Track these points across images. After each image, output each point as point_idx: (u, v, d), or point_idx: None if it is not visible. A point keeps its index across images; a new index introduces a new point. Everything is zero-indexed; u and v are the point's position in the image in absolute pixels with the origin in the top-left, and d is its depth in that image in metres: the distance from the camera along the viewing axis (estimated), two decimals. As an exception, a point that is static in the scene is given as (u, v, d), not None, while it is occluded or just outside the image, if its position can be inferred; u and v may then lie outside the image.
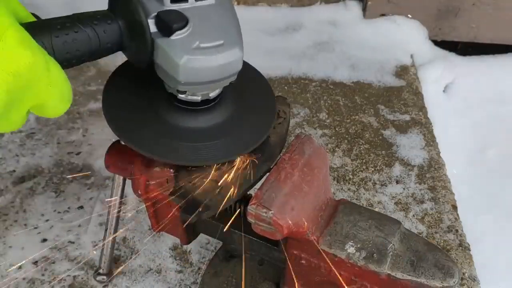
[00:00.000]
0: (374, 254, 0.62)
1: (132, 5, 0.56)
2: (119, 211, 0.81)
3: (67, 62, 0.54)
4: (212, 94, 0.65)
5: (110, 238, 0.82)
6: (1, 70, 0.44)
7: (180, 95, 0.63)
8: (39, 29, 0.51)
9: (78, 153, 1.15)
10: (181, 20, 0.57)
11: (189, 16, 0.57)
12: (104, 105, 0.65)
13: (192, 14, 0.58)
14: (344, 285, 0.66)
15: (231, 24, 0.62)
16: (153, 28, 0.56)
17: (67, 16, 0.55)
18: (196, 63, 0.57)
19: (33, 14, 0.58)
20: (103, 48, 0.57)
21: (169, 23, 0.56)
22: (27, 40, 0.46)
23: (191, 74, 0.58)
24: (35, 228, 0.98)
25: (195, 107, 0.65)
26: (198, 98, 0.64)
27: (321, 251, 0.64)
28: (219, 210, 0.67)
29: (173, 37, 0.56)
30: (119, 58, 0.64)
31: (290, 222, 0.62)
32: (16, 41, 0.45)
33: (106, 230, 0.81)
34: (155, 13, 0.56)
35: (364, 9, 1.68)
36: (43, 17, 0.57)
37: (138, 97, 0.67)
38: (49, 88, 0.49)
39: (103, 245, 0.83)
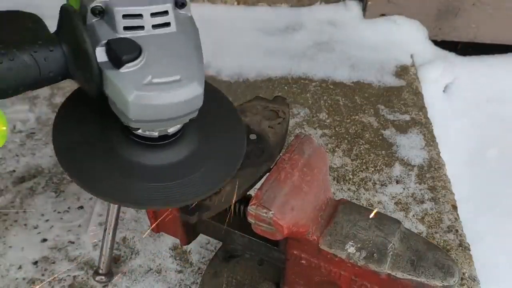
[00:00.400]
0: (374, 254, 0.62)
1: (78, 31, 0.50)
2: (118, 212, 0.81)
3: (1, 92, 0.49)
4: (171, 130, 0.59)
5: (110, 238, 0.82)
6: None
7: (135, 131, 0.58)
8: None
9: (78, 153, 1.15)
10: (133, 51, 0.51)
11: (144, 45, 0.51)
12: (54, 136, 0.59)
13: (147, 43, 0.52)
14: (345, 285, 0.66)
15: (192, 56, 0.55)
16: (102, 57, 0.51)
17: (3, 41, 0.49)
18: (147, 100, 0.51)
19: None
20: (45, 77, 0.51)
21: (119, 54, 0.50)
22: None
23: (141, 111, 0.52)
24: (35, 228, 0.98)
25: (152, 142, 0.59)
26: (155, 133, 0.58)
27: (321, 251, 0.64)
28: (219, 210, 0.67)
29: (123, 69, 0.50)
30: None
31: (290, 222, 0.62)
32: None
33: (105, 230, 0.81)
34: (105, 41, 0.51)
35: (364, 9, 1.68)
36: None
37: (93, 128, 0.61)
38: None
39: (102, 245, 0.83)
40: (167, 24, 0.54)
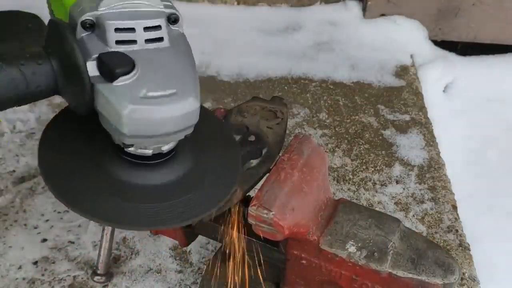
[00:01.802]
0: (375, 253, 0.63)
1: (68, 44, 0.48)
2: None
3: None
4: (165, 148, 0.57)
5: (108, 238, 0.82)
6: None
7: (127, 148, 0.55)
8: None
9: (78, 153, 1.15)
10: (127, 64, 0.49)
11: (137, 59, 0.50)
12: (40, 158, 0.57)
13: (140, 57, 0.50)
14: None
15: (187, 71, 0.53)
16: (93, 71, 0.49)
17: None
18: (142, 114, 0.49)
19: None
20: (32, 92, 0.49)
21: (112, 67, 0.48)
22: None
23: (136, 126, 0.50)
24: (35, 228, 0.98)
25: (145, 161, 0.57)
26: (148, 152, 0.56)
27: (322, 251, 0.64)
28: (220, 212, 0.66)
29: (117, 83, 0.48)
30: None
31: (291, 222, 0.62)
32: None
33: (103, 230, 0.81)
34: (97, 55, 0.49)
35: (364, 9, 1.68)
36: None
37: (81, 147, 0.59)
38: None
39: (100, 246, 0.83)
40: (160, 39, 0.53)
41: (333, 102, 1.34)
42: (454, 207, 1.06)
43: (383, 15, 1.65)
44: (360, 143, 1.21)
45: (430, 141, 1.23)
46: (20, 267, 0.90)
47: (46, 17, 0.58)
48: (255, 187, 0.69)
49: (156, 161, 0.57)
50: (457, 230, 1.01)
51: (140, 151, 0.56)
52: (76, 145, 0.59)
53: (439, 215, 1.04)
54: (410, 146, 1.21)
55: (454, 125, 1.38)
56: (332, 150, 1.19)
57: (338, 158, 1.16)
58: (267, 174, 0.67)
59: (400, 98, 1.37)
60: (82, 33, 0.50)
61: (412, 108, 1.33)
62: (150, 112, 0.49)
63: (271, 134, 0.74)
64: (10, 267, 0.90)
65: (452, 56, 1.60)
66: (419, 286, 0.62)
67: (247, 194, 0.70)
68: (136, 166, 0.57)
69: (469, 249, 0.97)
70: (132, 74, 0.49)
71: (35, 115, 1.25)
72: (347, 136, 1.23)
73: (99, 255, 0.84)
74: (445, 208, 1.05)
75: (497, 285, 1.00)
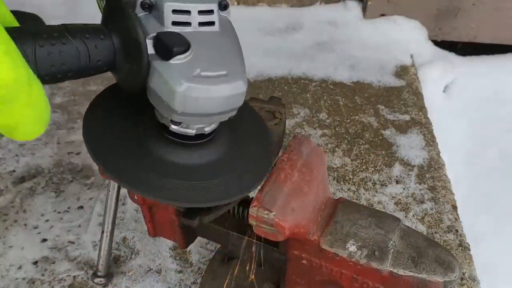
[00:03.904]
0: (376, 252, 0.63)
1: (130, 21, 0.51)
2: (115, 213, 0.81)
3: (50, 76, 0.48)
4: (208, 129, 0.59)
5: (107, 240, 0.82)
6: None
7: (173, 126, 0.57)
8: (22, 36, 0.46)
9: (78, 153, 1.15)
10: (183, 44, 0.51)
11: (191, 41, 0.52)
12: (85, 135, 0.58)
13: (194, 39, 0.52)
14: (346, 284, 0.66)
15: (236, 55, 0.56)
16: (150, 49, 0.51)
17: (55, 25, 0.50)
18: (195, 92, 0.51)
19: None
20: (93, 65, 0.51)
21: (170, 45, 0.50)
22: (12, 51, 0.41)
23: (188, 103, 0.52)
24: (35, 228, 0.98)
25: (187, 141, 0.59)
26: (192, 131, 0.58)
27: (322, 250, 0.64)
28: (220, 214, 0.66)
29: (172, 61, 0.51)
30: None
31: (291, 223, 0.62)
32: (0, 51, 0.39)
33: (102, 232, 0.81)
34: (154, 34, 0.51)
35: (364, 9, 1.68)
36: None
37: (125, 127, 0.60)
38: (26, 109, 0.43)
39: (100, 247, 0.83)
40: (211, 23, 0.55)
41: (333, 102, 1.35)
42: (454, 207, 1.06)
43: (383, 15, 1.65)
44: (360, 143, 1.21)
45: (430, 141, 1.23)
46: (20, 267, 0.90)
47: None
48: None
49: (198, 142, 0.60)
50: (457, 230, 1.01)
51: (184, 131, 0.58)
52: (121, 123, 0.60)
53: (439, 215, 1.04)
54: (410, 146, 1.21)
55: (454, 125, 1.38)
56: (332, 150, 1.19)
57: (338, 158, 1.16)
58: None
59: (400, 98, 1.37)
60: (140, 13, 0.52)
61: (412, 108, 1.33)
62: (202, 91, 0.52)
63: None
64: (10, 267, 0.90)
65: (452, 56, 1.60)
66: (420, 284, 0.62)
67: (247, 195, 0.70)
68: (178, 146, 0.60)
69: (469, 249, 0.97)
70: (187, 53, 0.51)
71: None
72: (347, 136, 1.23)
73: (99, 256, 0.84)
74: (445, 208, 1.05)
75: (497, 285, 1.00)
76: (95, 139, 0.58)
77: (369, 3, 1.64)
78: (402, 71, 1.48)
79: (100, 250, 0.83)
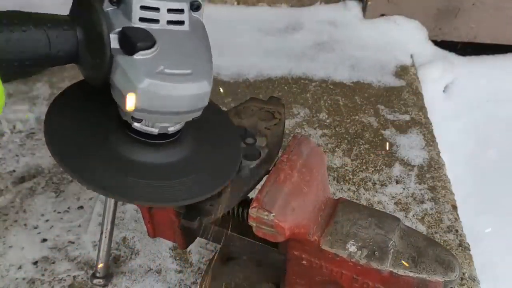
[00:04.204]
0: (376, 252, 0.62)
1: (95, 14, 0.50)
2: (114, 215, 0.80)
3: (7, 63, 0.48)
4: (172, 129, 0.59)
5: (107, 241, 0.82)
6: None
7: (135, 124, 0.57)
8: None
9: (78, 153, 1.15)
10: (148, 40, 0.51)
11: (157, 38, 0.52)
12: (47, 132, 0.57)
13: (161, 36, 0.52)
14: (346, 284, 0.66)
15: (203, 55, 0.56)
16: (114, 44, 0.51)
17: (17, 11, 0.49)
18: (156, 88, 0.51)
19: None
20: (53, 55, 0.51)
21: (134, 40, 0.50)
22: None
23: (149, 100, 0.52)
24: (35, 228, 0.98)
25: (150, 140, 0.59)
26: (155, 130, 0.57)
27: (322, 251, 0.64)
28: (221, 215, 0.66)
29: (136, 56, 0.51)
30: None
31: (291, 223, 0.62)
32: None
33: (101, 233, 0.81)
34: (120, 29, 0.51)
35: (364, 9, 1.68)
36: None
37: (87, 124, 0.60)
38: None
39: (99, 248, 0.82)
40: (181, 22, 0.55)
41: (333, 102, 1.34)
42: (454, 207, 1.06)
43: (383, 15, 1.65)
44: (360, 143, 1.21)
45: (430, 141, 1.23)
46: (20, 267, 0.90)
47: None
48: (255, 188, 0.69)
49: (161, 141, 0.59)
50: (457, 230, 1.01)
51: (146, 129, 0.57)
52: (84, 118, 0.60)
53: (439, 215, 1.04)
54: (410, 146, 1.21)
55: (454, 125, 1.38)
56: (332, 150, 1.19)
57: (338, 158, 1.16)
58: (267, 175, 0.67)
59: (400, 98, 1.37)
60: (108, 7, 0.52)
61: (412, 108, 1.33)
62: (164, 88, 0.51)
63: (269, 135, 0.73)
64: (10, 267, 0.90)
65: (452, 56, 1.60)
66: (420, 284, 0.62)
67: (247, 196, 0.70)
68: (141, 144, 0.59)
69: (469, 249, 0.97)
70: (152, 50, 0.51)
71: (35, 115, 1.25)
72: (347, 136, 1.23)
73: (98, 257, 0.83)
74: (445, 208, 1.05)
75: (497, 285, 1.00)
76: (56, 135, 0.57)
77: (369, 3, 1.64)
78: (402, 71, 1.48)
79: (99, 251, 0.83)
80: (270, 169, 0.69)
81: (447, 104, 1.45)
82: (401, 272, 0.62)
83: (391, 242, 0.63)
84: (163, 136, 0.59)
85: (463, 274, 0.92)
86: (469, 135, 1.36)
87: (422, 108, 1.33)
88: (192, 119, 0.58)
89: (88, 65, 0.53)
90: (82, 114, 0.60)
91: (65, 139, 0.58)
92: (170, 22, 0.54)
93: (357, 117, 1.29)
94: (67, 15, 0.53)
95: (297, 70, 1.45)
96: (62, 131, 0.58)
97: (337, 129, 1.25)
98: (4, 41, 0.47)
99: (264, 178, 0.67)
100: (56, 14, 0.52)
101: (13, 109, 1.21)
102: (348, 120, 1.28)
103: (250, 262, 0.85)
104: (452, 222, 1.02)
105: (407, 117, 1.30)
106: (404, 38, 1.59)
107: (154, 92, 0.51)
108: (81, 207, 1.02)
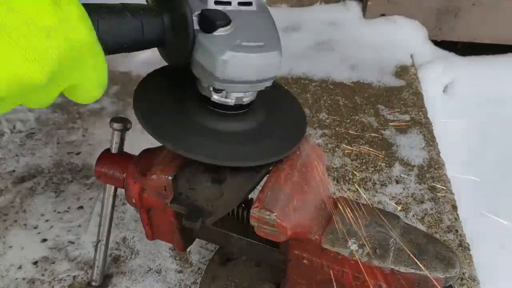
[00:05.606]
0: (377, 250, 0.63)
1: (179, 1, 0.57)
2: (110, 223, 0.80)
3: (109, 47, 0.53)
4: (246, 99, 0.65)
5: (103, 249, 0.81)
6: (61, 37, 0.43)
7: (214, 96, 0.63)
8: (87, 9, 0.50)
9: (78, 153, 1.15)
10: (224, 19, 0.58)
11: (232, 17, 0.59)
12: (137, 110, 0.64)
13: (234, 16, 0.59)
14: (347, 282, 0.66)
15: (271, 30, 0.63)
16: (195, 25, 0.58)
17: (113, 4, 0.56)
18: (236, 59, 0.58)
19: None
20: (145, 39, 0.58)
21: (213, 19, 0.57)
22: (86, 18, 0.46)
23: (230, 70, 0.59)
24: (35, 228, 0.97)
25: (228, 111, 0.66)
26: (231, 101, 0.64)
27: (324, 250, 0.64)
28: (222, 215, 0.66)
29: (216, 33, 0.58)
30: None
31: (293, 223, 0.62)
32: (78, 15, 0.44)
33: (98, 242, 0.81)
34: (199, 11, 0.58)
35: (364, 9, 1.68)
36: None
37: (171, 101, 0.67)
38: (92, 72, 0.48)
39: (95, 257, 0.82)
40: (249, 3, 0.62)
41: (333, 102, 1.34)
42: (454, 207, 1.06)
43: (383, 15, 1.65)
44: (360, 143, 1.21)
45: (430, 141, 1.23)
46: (20, 267, 0.90)
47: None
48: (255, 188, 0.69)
49: (237, 112, 0.66)
50: (457, 230, 1.01)
51: (224, 100, 0.64)
52: (167, 98, 0.67)
53: (439, 215, 1.04)
54: (410, 146, 1.21)
55: (454, 125, 1.38)
56: (332, 150, 1.19)
57: (338, 158, 1.16)
58: (267, 175, 0.67)
59: (400, 98, 1.37)
60: None
61: (412, 108, 1.33)
62: (243, 58, 0.58)
63: None
64: (10, 267, 0.90)
65: (452, 56, 1.60)
66: (421, 281, 0.62)
67: (248, 196, 0.70)
68: (219, 115, 0.66)
69: (469, 249, 0.97)
70: (228, 27, 0.58)
71: (35, 115, 1.26)
72: (347, 136, 1.23)
73: (94, 266, 0.83)
74: (445, 208, 1.05)
75: (497, 285, 1.00)
76: (144, 109, 0.64)
77: (369, 3, 1.64)
78: (402, 71, 1.48)
79: (94, 260, 0.82)
80: (270, 169, 0.69)
81: (447, 104, 1.45)
82: (402, 269, 0.62)
83: (392, 239, 0.64)
84: (238, 107, 0.65)
85: (463, 274, 0.92)
86: (469, 135, 1.36)
87: (422, 108, 1.34)
88: (265, 87, 0.64)
89: (173, 46, 0.60)
90: (166, 95, 0.68)
91: (155, 116, 0.65)
92: (240, 4, 0.61)
93: (357, 117, 1.29)
94: (152, 3, 0.60)
95: (297, 70, 1.46)
96: (150, 108, 0.65)
97: (337, 129, 1.25)
98: (108, 28, 0.53)
99: (265, 178, 0.67)
100: (141, 4, 0.58)
101: (13, 109, 1.21)
102: (348, 120, 1.28)
103: (249, 263, 0.85)
104: (452, 222, 1.02)
105: (407, 117, 1.30)
106: (404, 38, 1.59)
107: (234, 63, 0.58)
108: (81, 207, 1.02)
